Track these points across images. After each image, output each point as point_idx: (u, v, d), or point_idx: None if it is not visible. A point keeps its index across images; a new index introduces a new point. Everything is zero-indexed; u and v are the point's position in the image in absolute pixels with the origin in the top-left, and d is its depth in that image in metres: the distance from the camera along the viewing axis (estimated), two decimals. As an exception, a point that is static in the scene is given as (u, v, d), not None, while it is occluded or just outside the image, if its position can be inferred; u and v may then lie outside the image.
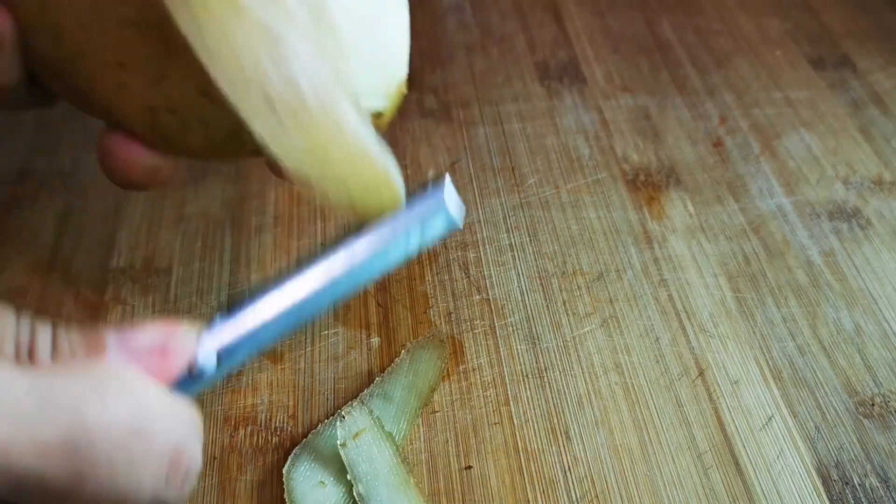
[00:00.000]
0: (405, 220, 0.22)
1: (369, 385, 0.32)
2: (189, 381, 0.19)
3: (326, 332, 0.34)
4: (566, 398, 0.32)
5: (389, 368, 0.32)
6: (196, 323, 0.21)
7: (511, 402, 0.32)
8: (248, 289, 0.23)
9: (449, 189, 0.23)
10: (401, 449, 0.29)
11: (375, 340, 0.34)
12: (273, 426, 0.31)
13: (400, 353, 0.33)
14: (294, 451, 0.29)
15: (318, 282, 0.21)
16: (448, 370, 0.33)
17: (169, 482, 0.17)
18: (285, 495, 0.28)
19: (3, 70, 0.23)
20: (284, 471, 0.29)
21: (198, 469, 0.18)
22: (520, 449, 0.30)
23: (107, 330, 0.18)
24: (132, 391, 0.17)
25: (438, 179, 0.23)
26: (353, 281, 0.22)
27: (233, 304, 0.22)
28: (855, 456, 0.31)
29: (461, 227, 0.23)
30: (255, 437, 0.31)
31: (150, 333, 0.19)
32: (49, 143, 0.42)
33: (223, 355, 0.20)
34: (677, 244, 0.38)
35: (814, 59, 0.50)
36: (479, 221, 0.39)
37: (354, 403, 0.30)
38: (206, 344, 0.20)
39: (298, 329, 0.21)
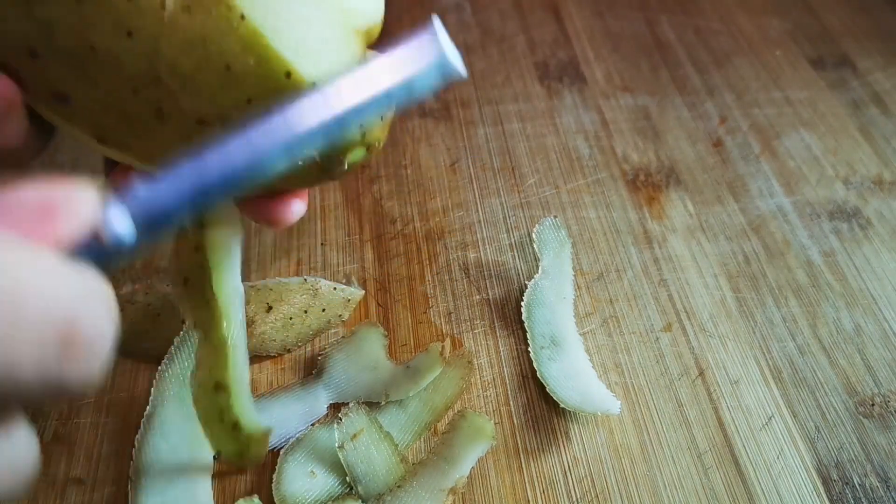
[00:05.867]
0: (387, 71, 0.18)
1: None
2: (100, 251, 0.16)
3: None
4: (566, 398, 0.32)
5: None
6: (103, 183, 0.17)
7: (511, 402, 0.32)
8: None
9: (440, 31, 0.19)
10: (400, 449, 0.29)
11: (375, 340, 0.34)
12: (273, 426, 0.31)
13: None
14: (292, 439, 0.30)
15: (273, 134, 0.17)
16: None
17: (62, 359, 0.14)
18: (273, 476, 0.28)
19: (14, 135, 0.22)
20: (281, 454, 0.29)
21: (105, 344, 0.15)
22: (520, 449, 0.30)
23: None
24: None
25: (426, 24, 0.19)
26: (319, 134, 0.18)
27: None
28: (855, 456, 0.31)
29: (465, 75, 0.19)
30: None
31: (31, 191, 0.15)
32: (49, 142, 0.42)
33: (144, 218, 0.17)
34: (677, 244, 0.38)
35: (814, 59, 0.50)
36: (479, 221, 0.39)
37: (352, 405, 0.29)
38: (117, 206, 0.16)
39: (250, 184, 0.17)
